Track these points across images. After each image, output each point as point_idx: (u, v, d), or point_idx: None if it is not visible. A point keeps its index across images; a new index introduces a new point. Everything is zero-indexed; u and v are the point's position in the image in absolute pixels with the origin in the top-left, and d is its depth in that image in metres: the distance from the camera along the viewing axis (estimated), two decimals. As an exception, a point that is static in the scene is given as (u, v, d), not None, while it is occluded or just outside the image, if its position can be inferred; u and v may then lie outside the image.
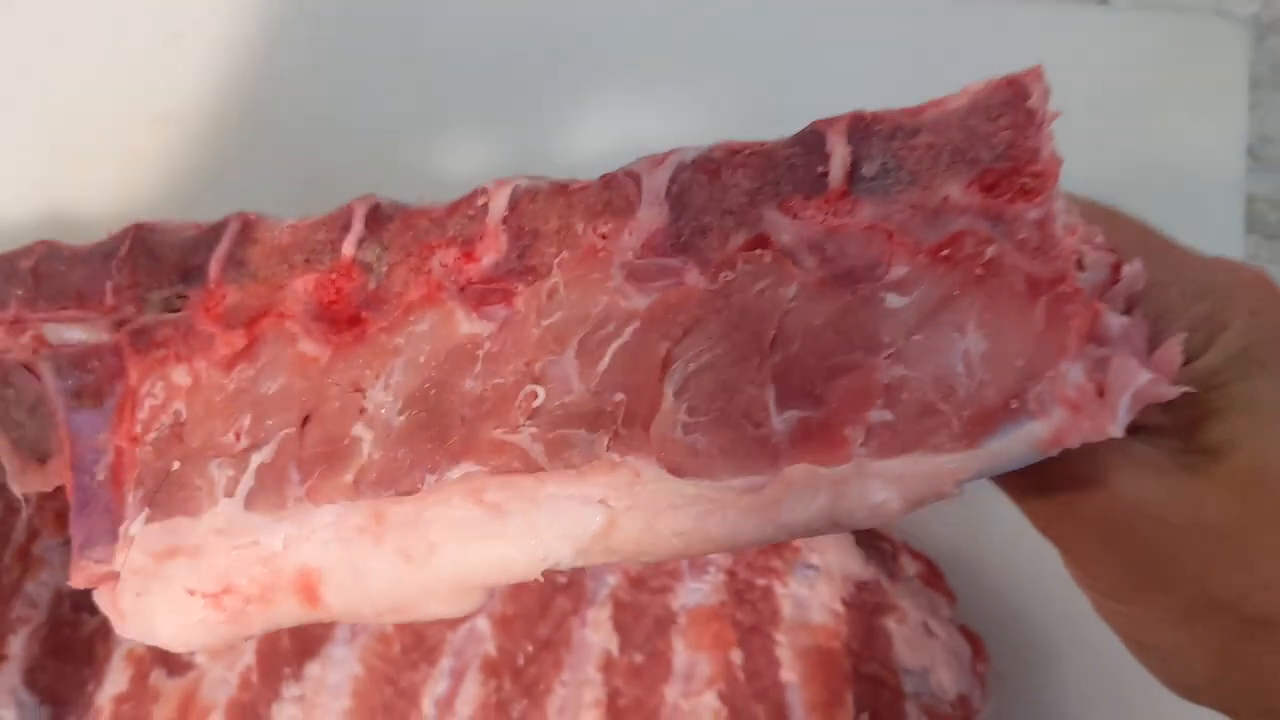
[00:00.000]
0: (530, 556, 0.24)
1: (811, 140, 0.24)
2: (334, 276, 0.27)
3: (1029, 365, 0.22)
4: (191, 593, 0.26)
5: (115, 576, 0.27)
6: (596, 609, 0.39)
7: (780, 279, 0.23)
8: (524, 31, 0.50)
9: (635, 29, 0.50)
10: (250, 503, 0.26)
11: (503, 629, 0.39)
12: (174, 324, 0.28)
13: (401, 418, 0.25)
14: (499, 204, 0.26)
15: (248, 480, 0.26)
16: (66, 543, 0.42)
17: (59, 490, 0.41)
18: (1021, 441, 0.22)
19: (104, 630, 0.40)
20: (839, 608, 0.39)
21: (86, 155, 0.49)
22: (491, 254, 0.25)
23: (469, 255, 0.26)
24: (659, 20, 0.50)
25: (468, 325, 0.25)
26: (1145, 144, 0.43)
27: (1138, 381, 0.21)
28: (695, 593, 0.40)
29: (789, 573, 0.40)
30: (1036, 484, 0.25)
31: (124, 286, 0.29)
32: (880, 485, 0.22)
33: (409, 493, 0.25)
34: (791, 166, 0.24)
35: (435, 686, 0.38)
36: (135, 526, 0.26)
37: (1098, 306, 0.22)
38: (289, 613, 0.26)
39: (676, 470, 0.23)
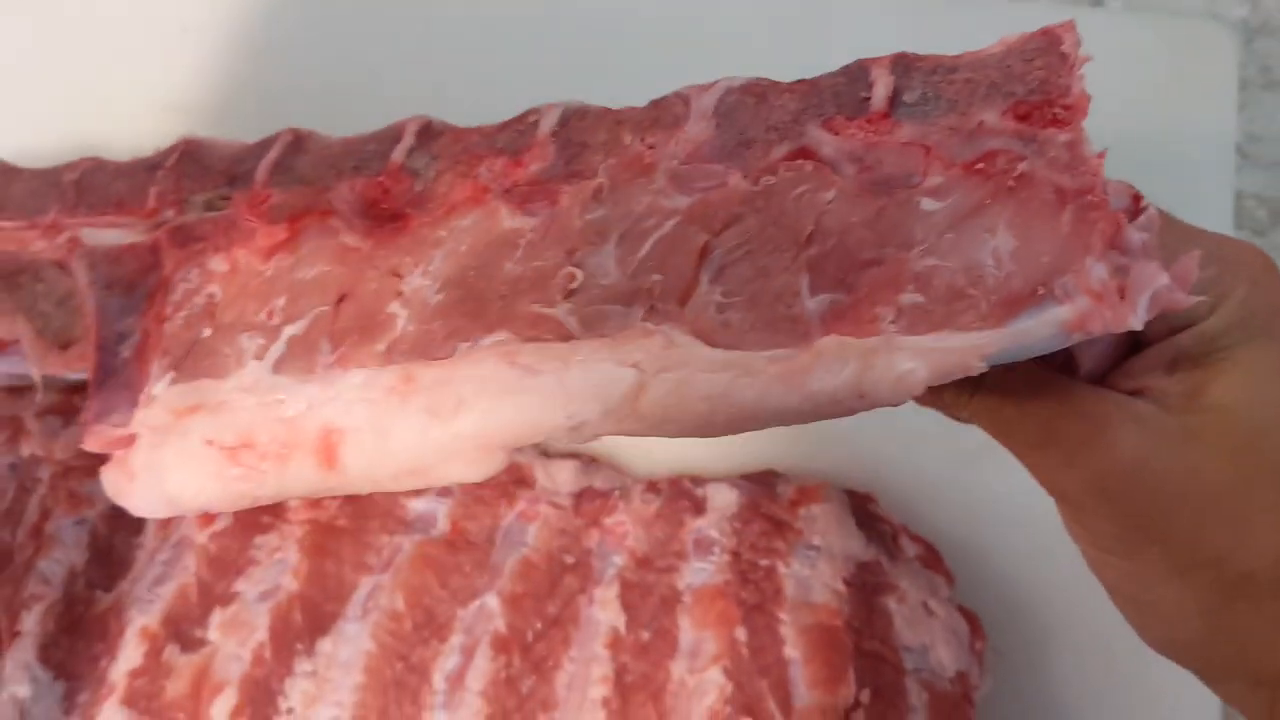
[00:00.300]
0: (558, 415, 0.25)
1: (856, 71, 0.27)
2: (382, 179, 0.29)
3: (1055, 261, 0.23)
4: (210, 443, 0.27)
5: (131, 440, 0.28)
6: (604, 588, 0.40)
7: (820, 185, 0.25)
8: (533, 26, 0.51)
9: (634, 28, 0.51)
10: (279, 367, 0.28)
11: (512, 607, 0.40)
12: (214, 221, 0.30)
13: (439, 296, 0.27)
14: (550, 120, 0.28)
15: (278, 348, 0.28)
16: (79, 522, 0.43)
17: (71, 471, 0.42)
18: (1047, 323, 0.23)
19: (117, 607, 0.41)
20: (840, 587, 0.40)
21: (99, 146, 0.50)
22: (539, 162, 0.28)
23: (517, 163, 0.28)
24: (659, 22, 0.51)
25: (510, 221, 0.27)
26: (1138, 141, 0.44)
27: (1156, 283, 0.22)
28: (700, 572, 0.40)
29: (791, 553, 0.41)
30: (1042, 439, 0.26)
31: (167, 192, 0.32)
32: (907, 357, 0.24)
33: (440, 359, 0.26)
34: (836, 92, 0.27)
35: (446, 662, 0.39)
36: (159, 388, 0.28)
37: (1120, 216, 0.23)
38: (303, 475, 0.27)
39: (708, 340, 0.25)
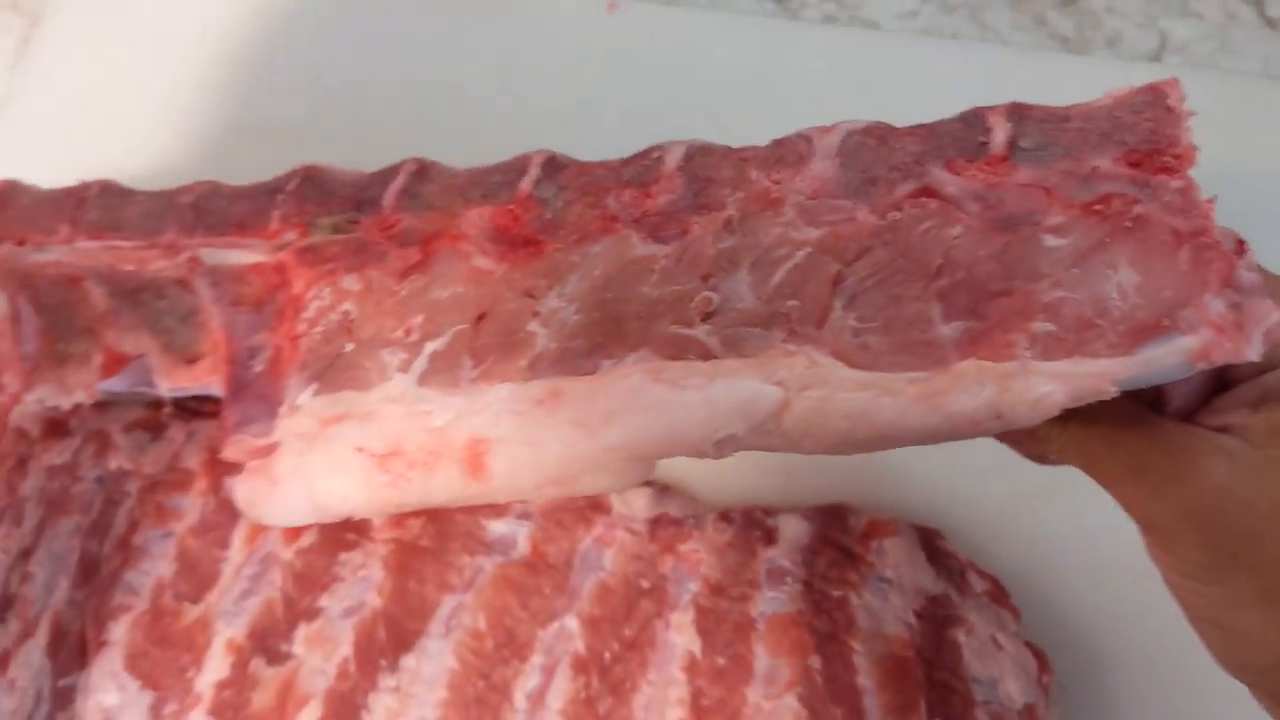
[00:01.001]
0: (705, 429, 0.27)
1: (972, 118, 0.29)
2: (512, 207, 0.31)
3: (1176, 296, 0.25)
4: (360, 450, 0.29)
5: (272, 449, 0.30)
6: (680, 613, 0.41)
7: (945, 221, 0.27)
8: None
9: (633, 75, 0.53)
10: (424, 381, 0.29)
11: (591, 629, 0.41)
12: (343, 243, 0.32)
13: (577, 316, 0.29)
14: (674, 156, 0.30)
15: (421, 363, 0.29)
16: (166, 535, 0.44)
17: (159, 485, 0.43)
18: (1174, 352, 0.25)
19: (204, 620, 0.42)
20: (911, 619, 0.41)
21: (184, 168, 0.52)
22: (667, 195, 0.29)
23: (645, 195, 0.30)
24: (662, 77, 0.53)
25: (642, 248, 0.29)
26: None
27: (1270, 319, 0.25)
28: (774, 601, 0.42)
29: (863, 585, 0.42)
30: (1132, 471, 0.28)
31: (290, 215, 0.33)
32: (1044, 380, 0.25)
33: (585, 374, 0.28)
34: (954, 137, 0.28)
35: (527, 682, 0.40)
36: (303, 398, 0.30)
37: (1232, 257, 0.25)
38: (448, 484, 0.28)
39: (848, 361, 0.26)
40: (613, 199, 0.30)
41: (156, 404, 0.47)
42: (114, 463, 0.44)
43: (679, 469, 0.45)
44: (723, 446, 0.27)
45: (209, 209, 0.36)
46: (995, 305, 0.26)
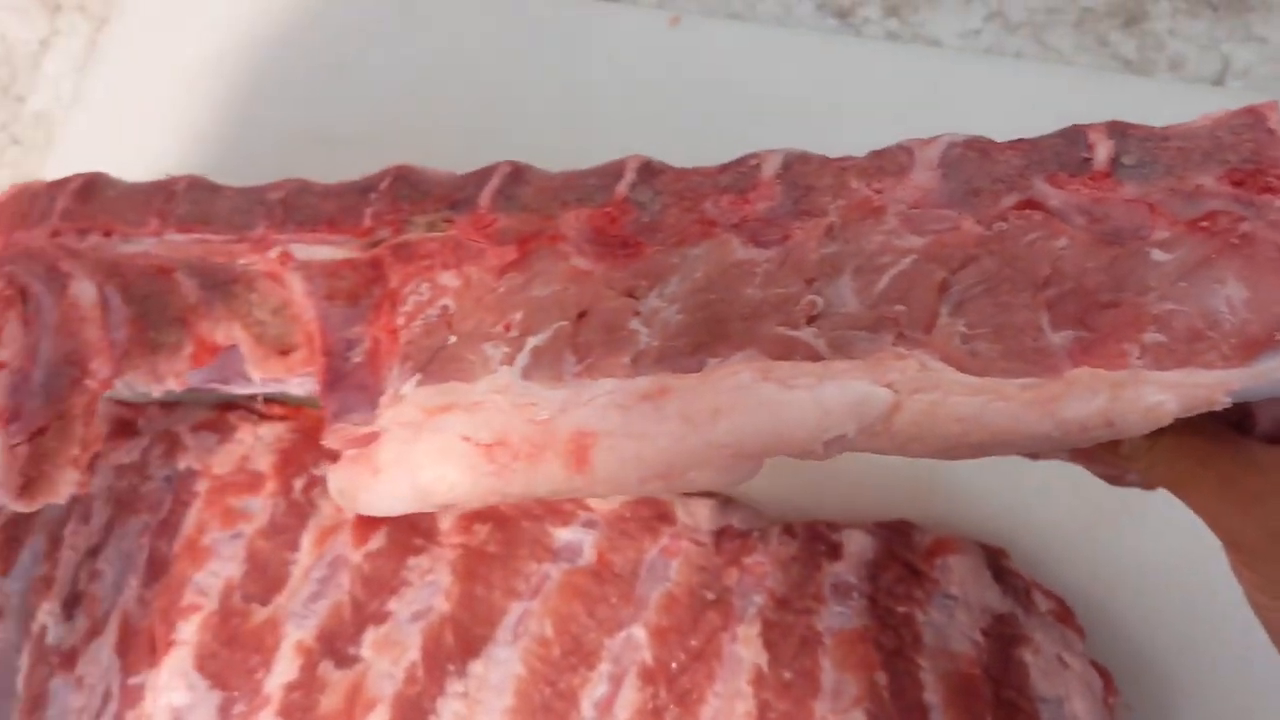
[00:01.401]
0: (815, 428, 0.27)
1: (1073, 134, 0.29)
2: (609, 209, 0.31)
3: None
4: (466, 439, 0.29)
5: (373, 438, 0.30)
6: (746, 626, 0.41)
7: (1050, 233, 0.27)
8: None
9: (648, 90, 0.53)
10: (528, 374, 0.29)
11: (658, 639, 0.41)
12: (440, 240, 0.32)
13: (679, 316, 0.29)
14: (772, 164, 0.30)
15: (523, 357, 0.29)
16: (235, 536, 0.44)
17: (229, 485, 0.43)
18: None
19: (273, 621, 0.42)
20: (978, 637, 0.41)
21: (256, 174, 0.52)
22: (766, 201, 0.30)
23: (744, 201, 0.30)
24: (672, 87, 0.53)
25: (743, 252, 0.29)
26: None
27: None
28: (839, 616, 0.42)
29: (929, 602, 0.42)
30: (1220, 490, 0.28)
31: (383, 213, 0.34)
32: (1156, 390, 0.25)
33: (690, 372, 0.28)
34: (1056, 152, 0.28)
35: (594, 690, 0.40)
36: (407, 388, 0.30)
37: None
38: (550, 476, 0.28)
39: (959, 366, 0.26)
40: (710, 204, 0.30)
41: (224, 406, 0.47)
42: (183, 463, 0.45)
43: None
44: (831, 447, 0.27)
45: (299, 205, 0.36)
46: (1105, 316, 0.26)
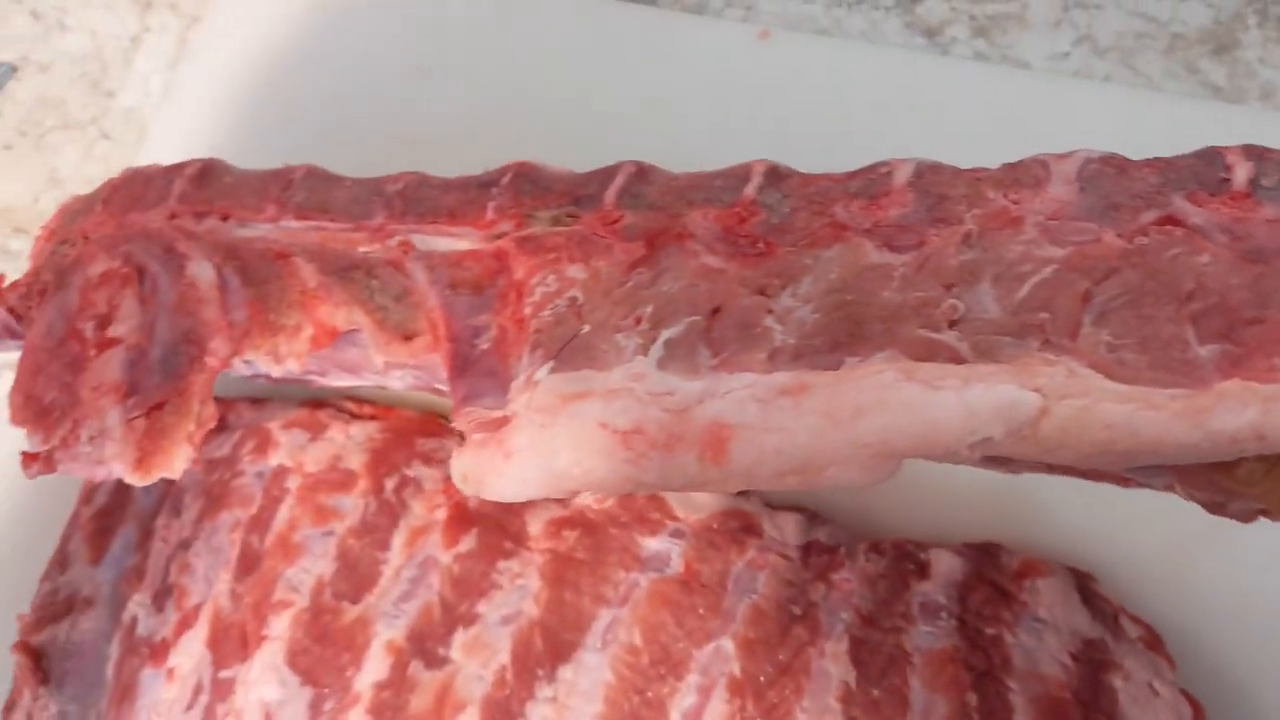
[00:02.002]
0: (961, 429, 0.27)
1: (1209, 155, 0.29)
2: (737, 210, 0.31)
3: None
4: (603, 426, 0.29)
5: (505, 422, 0.30)
6: (834, 642, 0.41)
7: (1193, 249, 0.27)
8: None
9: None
10: (662, 366, 0.29)
11: (746, 651, 0.41)
12: (566, 235, 0.32)
13: (815, 315, 0.29)
14: (904, 172, 0.31)
15: (657, 349, 0.29)
16: (327, 534, 0.45)
17: (321, 483, 0.44)
18: None
19: (363, 620, 0.42)
20: (1067, 661, 0.41)
21: (335, 170, 0.53)
22: (899, 208, 0.30)
23: (876, 206, 0.30)
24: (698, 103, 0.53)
25: (877, 256, 0.29)
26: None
27: None
28: (928, 636, 0.42)
29: (1017, 624, 0.42)
30: None
31: (506, 207, 0.34)
32: None
33: (829, 369, 0.28)
34: (1194, 171, 0.29)
35: (682, 700, 0.40)
36: (541, 373, 0.30)
37: None
38: (684, 467, 0.28)
39: (1108, 374, 0.26)
40: (841, 208, 0.30)
41: (314, 404, 0.47)
42: (274, 459, 0.45)
43: (825, 497, 0.46)
44: (977, 450, 0.27)
45: (418, 197, 0.36)
46: (1251, 332, 0.26)
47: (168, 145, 0.56)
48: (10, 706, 0.43)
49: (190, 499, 0.45)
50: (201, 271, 0.35)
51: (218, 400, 0.48)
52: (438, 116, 0.54)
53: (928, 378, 0.27)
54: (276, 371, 0.34)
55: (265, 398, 0.49)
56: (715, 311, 0.30)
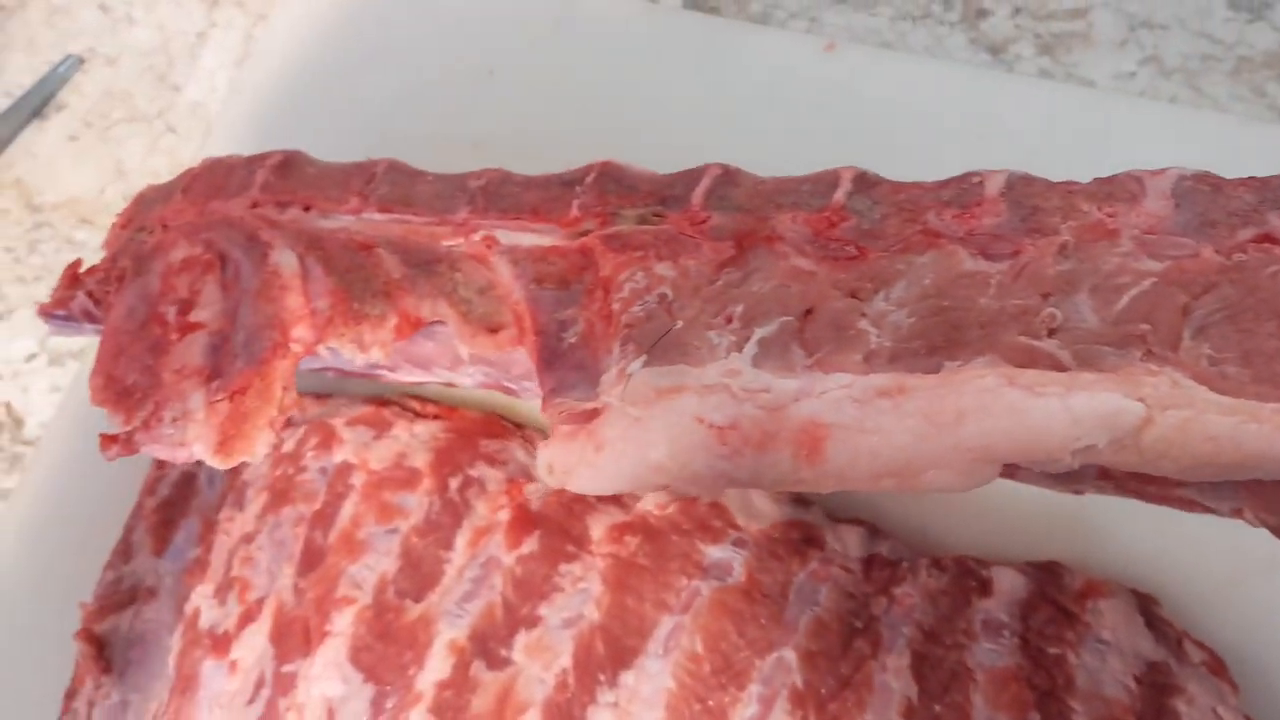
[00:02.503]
0: (1065, 437, 0.26)
1: None
2: (827, 214, 0.31)
3: None
4: (700, 420, 0.29)
5: (595, 414, 0.30)
6: (896, 656, 0.41)
7: None
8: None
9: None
10: (757, 364, 0.29)
11: (808, 663, 0.41)
12: (653, 233, 0.32)
13: (910, 320, 0.29)
14: (995, 183, 0.30)
15: (751, 347, 0.29)
16: (391, 531, 0.45)
17: (386, 481, 0.44)
18: None
19: (426, 618, 0.42)
20: (1131, 683, 0.40)
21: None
22: (992, 217, 0.30)
23: (969, 215, 0.30)
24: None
25: (971, 264, 0.29)
26: None
27: None
28: (991, 654, 0.41)
29: (1081, 644, 0.41)
30: None
31: (590, 205, 0.34)
32: None
33: (928, 373, 0.28)
34: None
35: (744, 710, 0.40)
36: (634, 367, 0.30)
37: None
38: (777, 466, 0.28)
39: (1212, 386, 0.26)
40: (933, 216, 0.30)
41: (379, 401, 0.48)
42: (339, 456, 0.45)
43: (886, 511, 0.46)
44: (1080, 457, 0.26)
45: (501, 194, 0.36)
46: None
47: (232, 141, 0.57)
48: (71, 694, 0.44)
49: (253, 493, 0.46)
50: (284, 259, 0.35)
51: (282, 395, 0.48)
52: (502, 119, 0.54)
53: (1030, 384, 0.27)
54: (360, 360, 0.34)
55: (328, 393, 0.49)
56: (808, 313, 0.30)
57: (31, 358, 0.53)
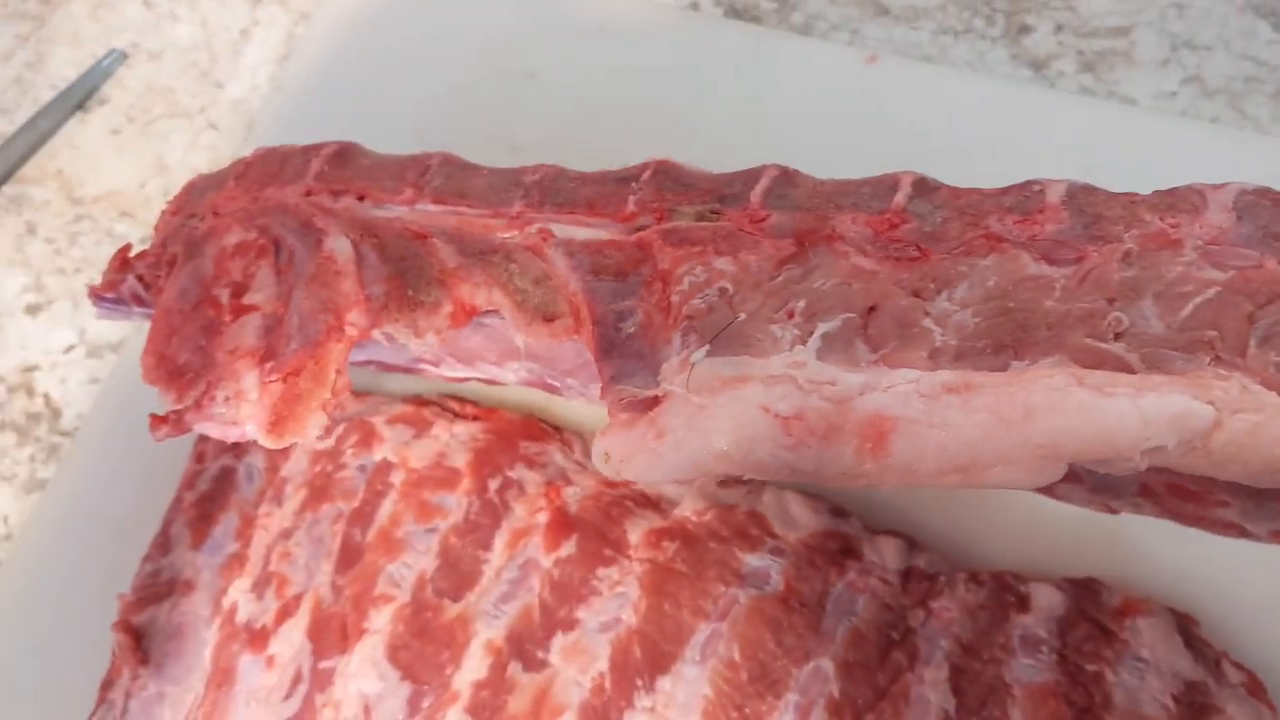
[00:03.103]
0: (1135, 436, 0.26)
1: None
2: (887, 216, 0.31)
3: None
4: (765, 410, 0.29)
5: (656, 402, 0.30)
6: (933, 669, 0.41)
7: None
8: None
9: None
10: (821, 358, 0.29)
11: (845, 673, 0.41)
12: (710, 229, 0.32)
13: (976, 320, 0.29)
14: (1057, 191, 0.31)
15: (814, 342, 0.29)
16: (430, 530, 0.45)
17: (425, 480, 0.44)
18: None
19: (464, 618, 0.42)
20: (1169, 703, 0.40)
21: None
22: (1054, 224, 0.30)
23: (1031, 221, 0.30)
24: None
25: (1034, 268, 0.29)
26: None
27: None
28: (1028, 669, 0.41)
29: (1119, 662, 0.41)
30: None
31: (647, 201, 0.34)
32: None
33: (995, 370, 0.27)
34: None
35: (781, 718, 0.40)
36: (696, 356, 0.30)
37: None
38: (841, 459, 0.28)
39: None
40: (994, 221, 0.30)
41: (419, 401, 0.48)
42: (379, 454, 0.45)
43: (924, 525, 0.46)
44: (1149, 458, 0.26)
45: (556, 188, 0.36)
46: None
47: (273, 138, 0.57)
48: (108, 684, 0.44)
49: (292, 489, 0.46)
50: (339, 246, 0.35)
51: (321, 392, 0.48)
52: (541, 122, 0.55)
53: (1100, 384, 0.27)
54: (413, 346, 0.34)
55: (367, 392, 0.49)
56: (871, 309, 0.30)
57: (70, 349, 0.54)
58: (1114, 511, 0.37)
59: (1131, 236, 0.29)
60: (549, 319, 0.33)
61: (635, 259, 0.33)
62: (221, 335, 0.34)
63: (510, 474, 0.44)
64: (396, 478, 0.44)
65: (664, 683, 0.40)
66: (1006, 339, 0.29)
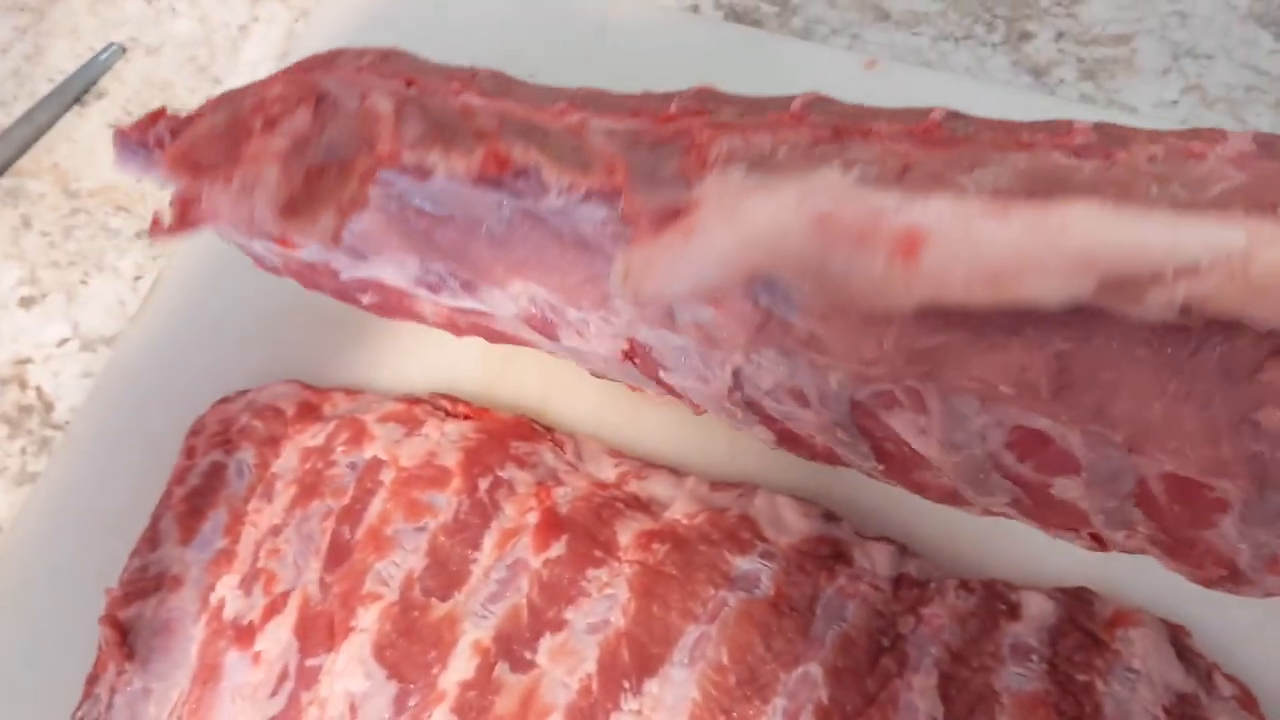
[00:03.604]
0: (1169, 248, 0.27)
1: None
2: (923, 125, 0.33)
3: None
4: (801, 204, 0.29)
5: (687, 209, 0.31)
6: (922, 676, 0.41)
7: None
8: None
9: None
10: (862, 182, 0.30)
11: (834, 679, 0.40)
12: (752, 119, 0.34)
13: (1003, 183, 0.30)
14: (1084, 122, 0.32)
15: (855, 172, 0.30)
16: (419, 529, 0.45)
17: (415, 478, 0.44)
18: None
19: (451, 618, 0.41)
20: (1160, 714, 0.40)
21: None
22: (1081, 138, 0.31)
23: (1059, 136, 0.32)
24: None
25: (1064, 160, 0.31)
26: None
27: None
28: (1018, 678, 0.41)
29: (1109, 672, 0.41)
30: None
31: (689, 105, 0.36)
32: None
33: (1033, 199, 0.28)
34: None
35: (769, 724, 0.40)
36: (734, 170, 0.31)
37: None
38: (870, 266, 0.28)
39: None
40: (1026, 133, 0.31)
41: (410, 400, 0.48)
42: (369, 452, 0.45)
43: (915, 532, 0.45)
44: (1183, 281, 0.27)
45: (596, 98, 0.37)
46: None
47: (271, 134, 0.57)
48: (93, 679, 0.43)
49: (282, 486, 0.45)
50: (382, 103, 0.35)
51: (312, 389, 0.48)
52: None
53: (1138, 208, 0.27)
54: (442, 172, 0.34)
55: (360, 390, 0.49)
56: (905, 169, 0.30)
57: (64, 343, 0.54)
58: (1103, 550, 0.37)
59: (1162, 145, 0.30)
60: (584, 168, 0.34)
61: (673, 135, 0.34)
62: (249, 142, 0.35)
63: (501, 473, 0.44)
64: (386, 476, 0.43)
65: (651, 685, 0.39)
66: (1036, 190, 0.28)
